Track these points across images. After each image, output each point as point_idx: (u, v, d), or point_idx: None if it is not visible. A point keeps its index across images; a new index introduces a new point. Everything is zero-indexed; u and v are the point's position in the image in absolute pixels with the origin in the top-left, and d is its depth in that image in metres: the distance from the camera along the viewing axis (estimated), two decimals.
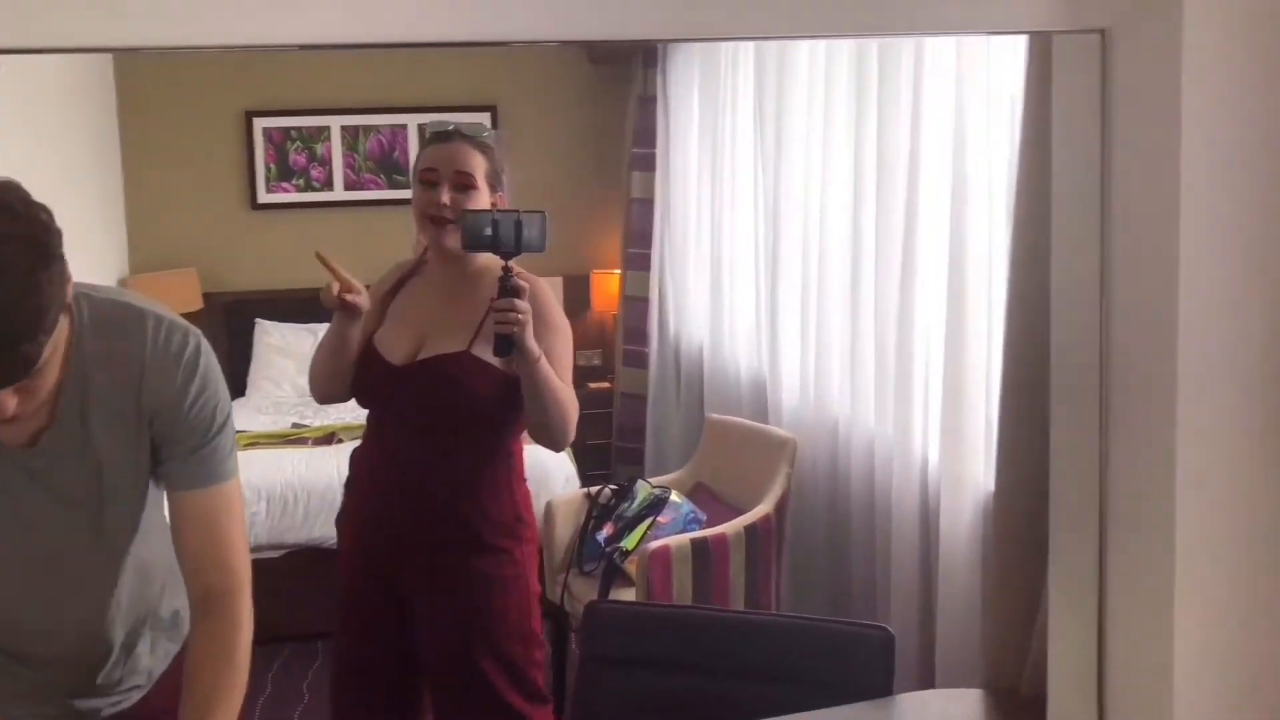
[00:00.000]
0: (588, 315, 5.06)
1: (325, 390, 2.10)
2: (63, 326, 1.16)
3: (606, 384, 4.88)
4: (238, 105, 4.91)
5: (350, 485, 2.16)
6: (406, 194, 2.13)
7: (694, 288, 4.27)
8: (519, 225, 1.91)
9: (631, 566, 2.88)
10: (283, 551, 3.54)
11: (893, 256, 2.64)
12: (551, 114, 5.03)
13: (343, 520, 2.20)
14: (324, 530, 3.45)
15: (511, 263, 1.92)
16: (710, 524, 2.96)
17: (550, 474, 3.56)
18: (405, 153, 4.98)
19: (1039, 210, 1.34)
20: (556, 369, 1.96)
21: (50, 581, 1.34)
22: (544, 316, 1.98)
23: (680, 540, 2.76)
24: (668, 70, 4.48)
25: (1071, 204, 1.28)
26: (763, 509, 2.86)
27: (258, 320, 4.83)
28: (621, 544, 2.97)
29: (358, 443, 2.18)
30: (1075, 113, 1.25)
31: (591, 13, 1.14)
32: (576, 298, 4.88)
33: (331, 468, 3.55)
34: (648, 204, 4.60)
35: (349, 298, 1.97)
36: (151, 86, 4.77)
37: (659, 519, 3.00)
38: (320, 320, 2.19)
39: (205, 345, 1.34)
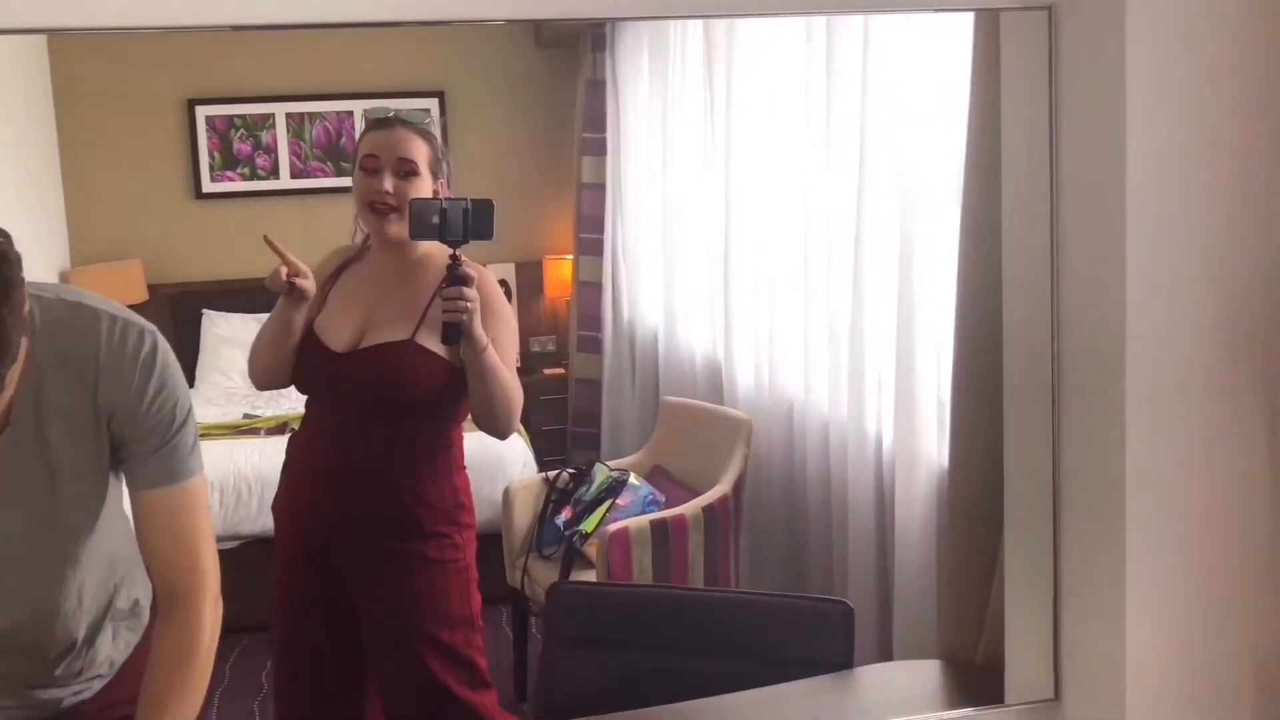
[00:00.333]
0: (540, 301, 5.04)
1: (266, 377, 2.07)
2: (22, 343, 1.14)
3: (561, 370, 4.87)
4: (179, 93, 4.82)
5: (287, 470, 2.15)
6: None
7: (647, 272, 4.28)
8: (466, 214, 1.91)
9: (591, 549, 2.89)
10: (238, 542, 3.50)
11: (844, 237, 2.66)
12: (500, 99, 4.99)
13: (279, 505, 2.18)
14: None
15: (458, 251, 1.91)
16: (669, 505, 2.97)
17: (506, 460, 3.55)
18: (352, 140, 4.92)
19: (989, 188, 1.35)
20: (503, 357, 1.97)
21: (7, 580, 1.32)
22: (490, 305, 1.98)
23: (639, 522, 2.78)
24: (616, 54, 4.47)
25: (1021, 181, 1.30)
26: (720, 489, 2.88)
27: (205, 311, 4.76)
28: (580, 527, 2.97)
29: None
30: (1023, 90, 1.27)
31: None
32: (529, 284, 4.86)
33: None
34: (599, 189, 4.59)
35: (298, 281, 1.95)
36: (89, 72, 4.66)
37: (618, 501, 3.01)
38: (269, 310, 2.16)
39: (162, 343, 1.31)
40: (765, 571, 3.12)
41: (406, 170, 1.99)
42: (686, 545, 2.79)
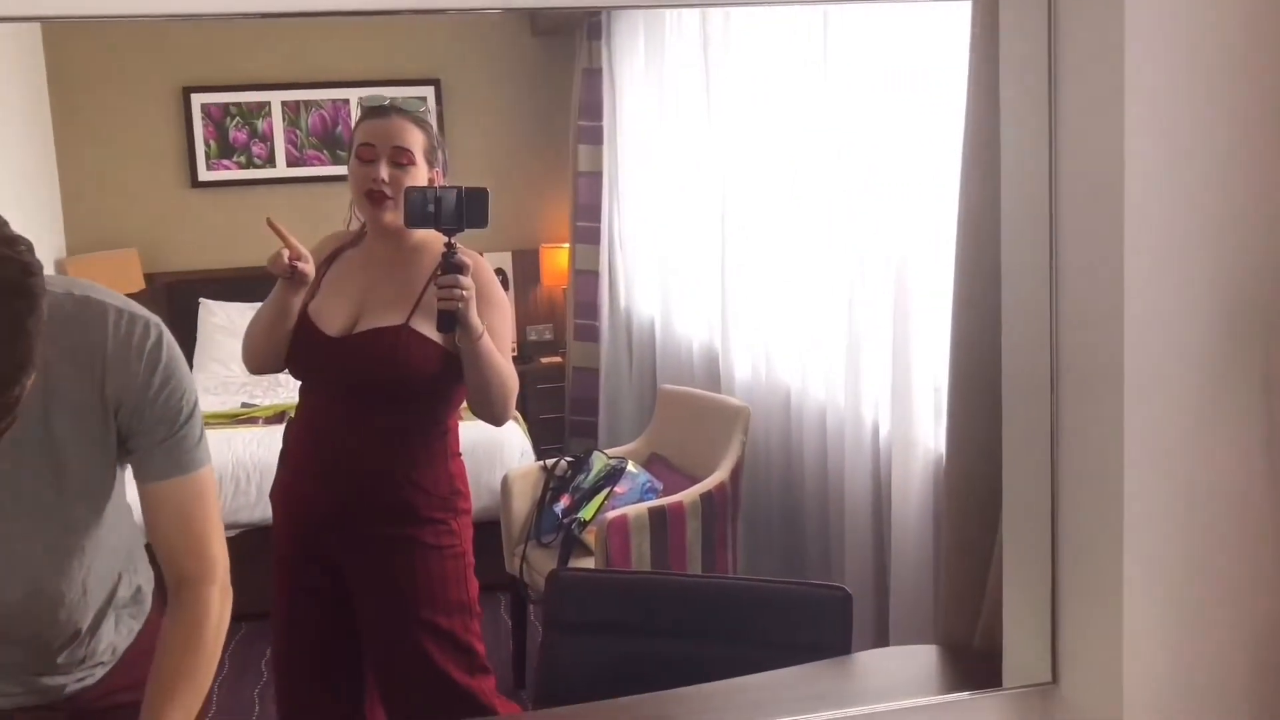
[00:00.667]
0: (537, 289, 5.04)
1: (260, 361, 2.08)
2: None
3: (558, 358, 4.88)
4: (174, 80, 4.80)
5: (284, 458, 2.16)
6: None
7: (644, 260, 4.28)
8: (461, 201, 1.91)
9: (590, 537, 2.90)
10: (238, 531, 3.51)
11: (841, 225, 2.67)
12: (496, 88, 4.98)
13: (276, 493, 2.19)
14: None
15: (454, 238, 1.92)
16: (667, 493, 2.98)
17: (505, 448, 3.56)
18: (348, 128, 4.91)
19: (988, 175, 1.36)
20: (498, 344, 1.98)
21: (12, 571, 1.32)
22: (485, 293, 1.99)
23: (638, 509, 2.78)
24: (612, 42, 4.46)
25: (1020, 168, 1.30)
26: (718, 477, 2.89)
27: (202, 300, 4.75)
28: (579, 515, 2.98)
29: None
30: (1022, 78, 1.27)
31: None
32: (526, 272, 4.86)
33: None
34: (595, 177, 4.58)
35: (299, 265, 1.96)
36: (84, 61, 4.65)
37: (616, 489, 3.02)
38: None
39: (168, 336, 1.32)
40: (763, 558, 3.14)
41: (402, 159, 1.99)
42: (684, 532, 2.80)
